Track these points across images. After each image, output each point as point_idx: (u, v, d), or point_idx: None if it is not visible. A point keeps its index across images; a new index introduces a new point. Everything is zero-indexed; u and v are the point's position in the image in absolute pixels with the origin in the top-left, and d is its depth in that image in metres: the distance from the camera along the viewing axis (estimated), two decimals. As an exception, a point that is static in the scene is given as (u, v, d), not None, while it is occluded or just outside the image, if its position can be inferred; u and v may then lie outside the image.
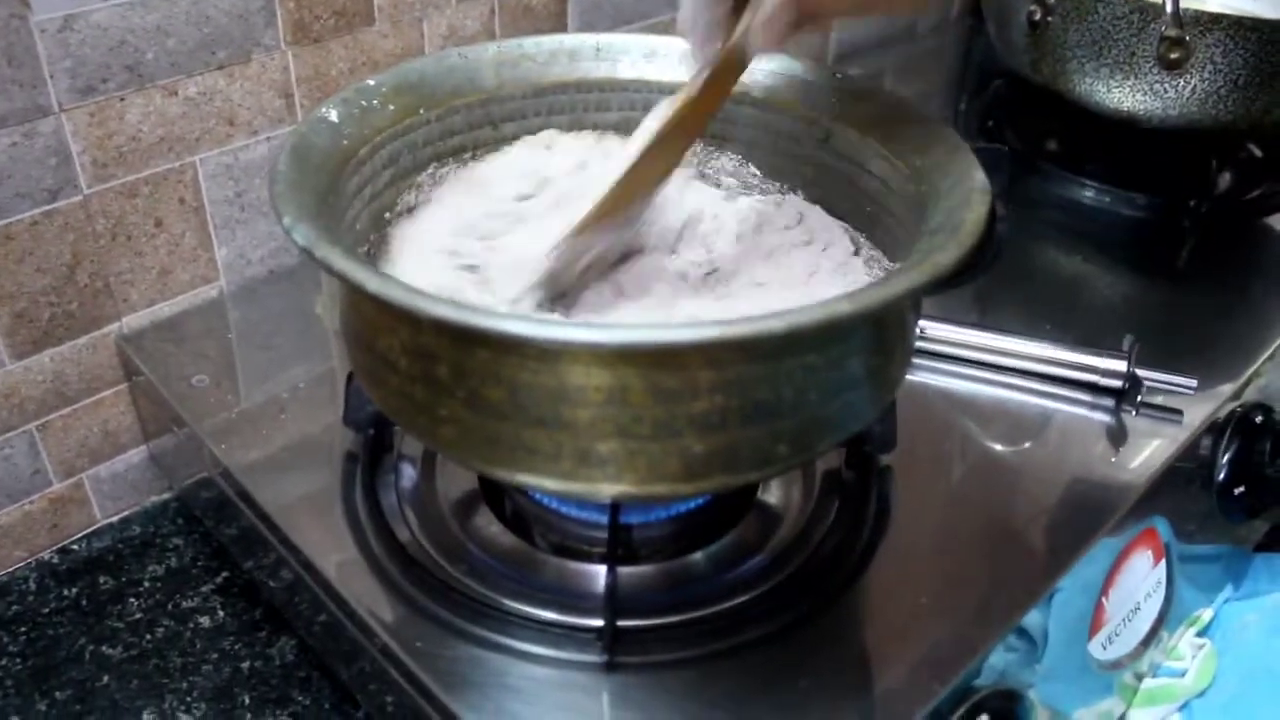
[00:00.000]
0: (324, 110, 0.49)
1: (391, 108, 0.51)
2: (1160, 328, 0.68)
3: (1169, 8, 0.72)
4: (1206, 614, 0.73)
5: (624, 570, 0.50)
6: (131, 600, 0.61)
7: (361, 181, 0.50)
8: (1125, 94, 0.79)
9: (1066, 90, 0.82)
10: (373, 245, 0.51)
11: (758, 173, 0.57)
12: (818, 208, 0.55)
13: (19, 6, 0.54)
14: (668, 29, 0.88)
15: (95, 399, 0.65)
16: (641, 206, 0.50)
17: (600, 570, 0.50)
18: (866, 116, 0.52)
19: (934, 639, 0.48)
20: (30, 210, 0.58)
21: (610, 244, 0.49)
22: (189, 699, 0.56)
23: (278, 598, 0.58)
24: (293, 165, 0.44)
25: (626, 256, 0.52)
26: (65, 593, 0.62)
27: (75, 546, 0.66)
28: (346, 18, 0.68)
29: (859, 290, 0.38)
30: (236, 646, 0.59)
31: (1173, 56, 0.75)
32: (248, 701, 0.56)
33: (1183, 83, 0.76)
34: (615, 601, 0.48)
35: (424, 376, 0.41)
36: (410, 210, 0.54)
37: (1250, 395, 0.65)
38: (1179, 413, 0.61)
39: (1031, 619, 0.50)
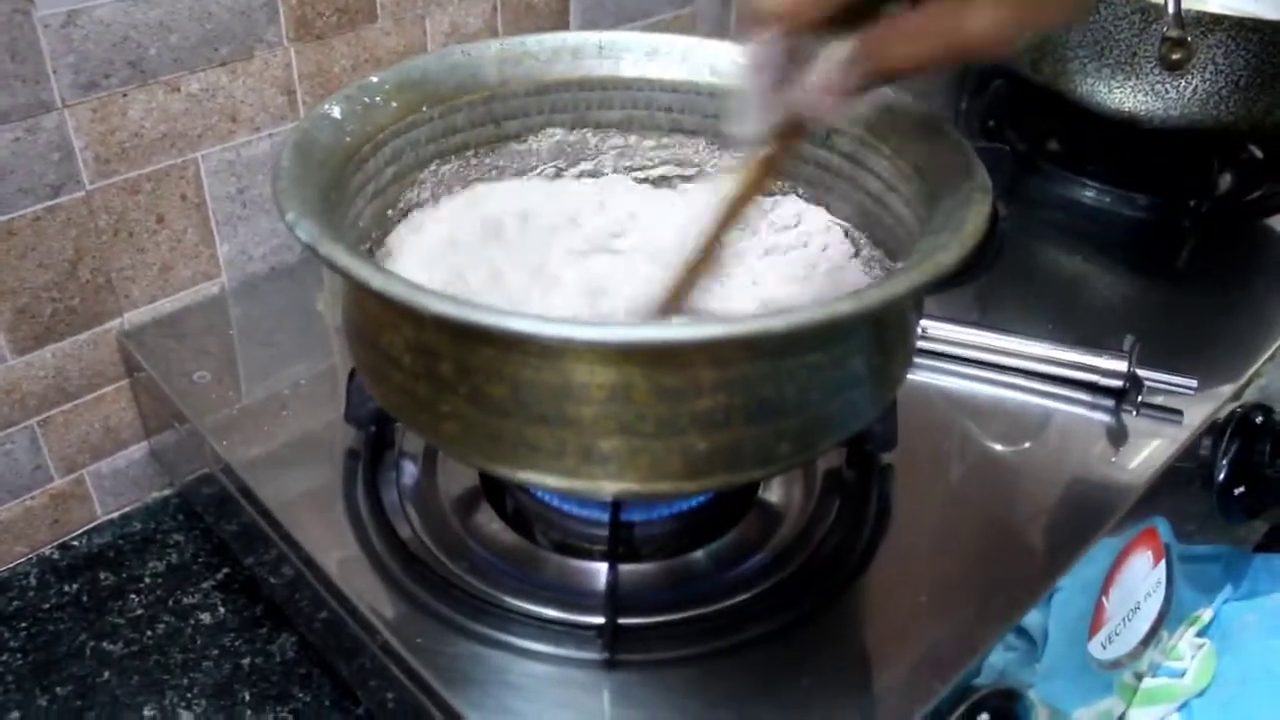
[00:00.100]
0: (327, 107, 0.49)
1: (394, 105, 0.51)
2: (1161, 328, 0.68)
3: (1171, 8, 0.72)
4: (1206, 614, 0.73)
5: (625, 568, 0.50)
6: (132, 596, 0.61)
7: (364, 178, 0.50)
8: (1126, 94, 0.78)
9: (1068, 90, 0.82)
10: (373, 243, 0.51)
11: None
12: (816, 208, 0.55)
13: (22, 2, 0.54)
14: (670, 27, 0.88)
15: (96, 395, 0.65)
16: (711, 276, 0.48)
17: (601, 568, 0.50)
18: (867, 116, 0.52)
19: (934, 638, 0.48)
20: (33, 206, 0.58)
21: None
22: (189, 695, 0.56)
23: (278, 594, 0.58)
24: (296, 161, 0.44)
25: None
26: (66, 588, 0.62)
27: (76, 542, 0.66)
28: (349, 15, 0.68)
29: (861, 290, 0.38)
30: (237, 643, 0.59)
31: (1174, 57, 0.74)
32: (248, 698, 0.56)
33: (1184, 83, 0.76)
34: (616, 599, 0.48)
35: (426, 373, 0.41)
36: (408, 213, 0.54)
37: (1250, 396, 0.65)
38: (1179, 413, 0.61)
39: (1031, 618, 0.50)
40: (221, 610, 0.61)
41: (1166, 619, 0.65)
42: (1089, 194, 0.84)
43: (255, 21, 0.64)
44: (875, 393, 0.44)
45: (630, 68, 0.57)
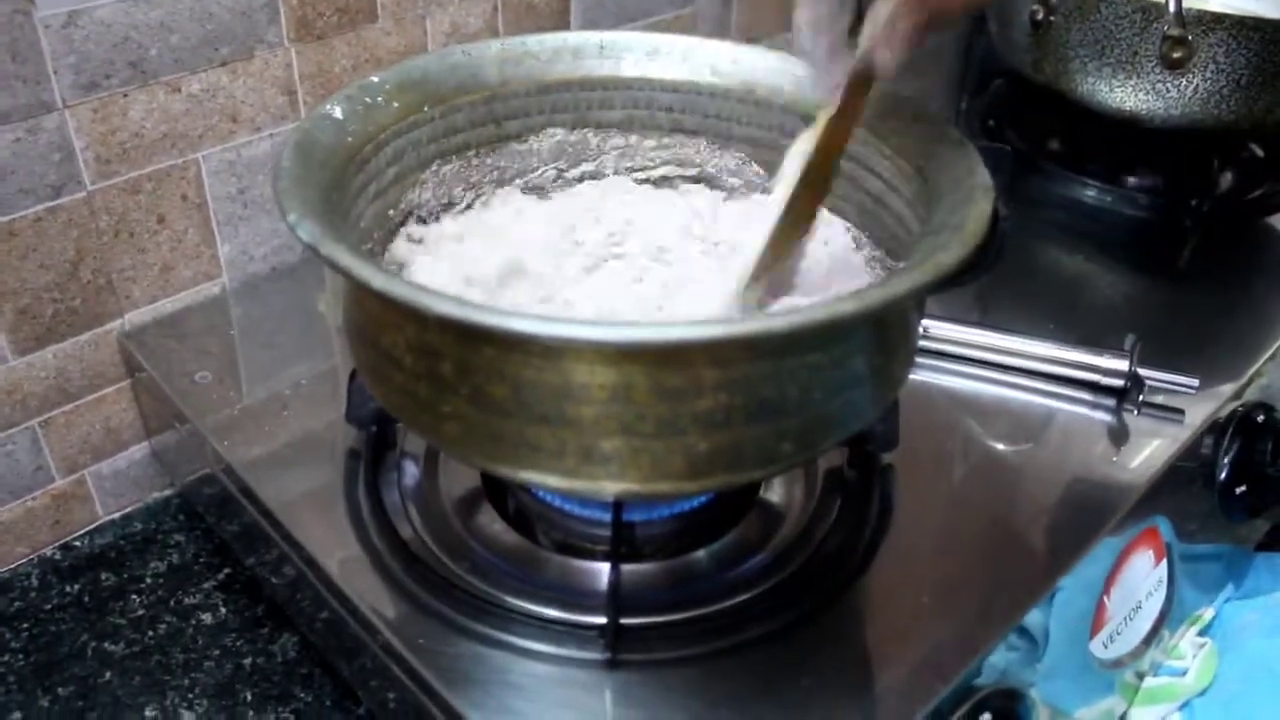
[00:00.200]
0: (328, 107, 0.49)
1: (395, 105, 0.51)
2: (1162, 327, 0.68)
3: (1172, 7, 0.72)
4: (1208, 613, 0.73)
5: (627, 568, 0.50)
6: (133, 597, 0.61)
7: (366, 179, 0.50)
8: (1127, 93, 0.78)
9: (1069, 90, 0.82)
10: (375, 244, 0.51)
11: (761, 171, 0.57)
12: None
13: (23, 2, 0.54)
14: (671, 27, 0.88)
15: (98, 395, 0.65)
16: (800, 248, 0.49)
17: (603, 568, 0.50)
18: (869, 115, 0.52)
19: (935, 638, 0.48)
20: (34, 206, 0.58)
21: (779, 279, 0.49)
22: (191, 695, 0.56)
23: (280, 594, 0.58)
24: (297, 161, 0.44)
25: None
26: (67, 589, 0.62)
27: (77, 543, 0.66)
28: (350, 15, 0.68)
29: (863, 289, 0.38)
30: (238, 643, 0.59)
31: (1175, 56, 0.75)
32: (249, 698, 0.56)
33: (1185, 82, 0.76)
34: (618, 599, 0.48)
35: (428, 373, 0.41)
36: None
37: (1252, 395, 0.65)
38: (1180, 412, 0.61)
39: (1033, 618, 0.50)
40: (223, 610, 0.61)
41: (1168, 618, 0.65)
42: (1090, 193, 0.84)
43: (256, 22, 0.64)
44: (877, 392, 0.44)
45: (631, 68, 0.57)
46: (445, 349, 0.40)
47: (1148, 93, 0.78)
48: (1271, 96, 0.75)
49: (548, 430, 0.40)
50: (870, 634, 0.49)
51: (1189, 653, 0.70)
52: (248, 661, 0.58)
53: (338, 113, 0.49)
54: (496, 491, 0.55)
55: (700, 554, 0.52)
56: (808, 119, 0.54)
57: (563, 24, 0.81)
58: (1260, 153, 0.86)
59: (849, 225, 0.54)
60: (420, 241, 0.53)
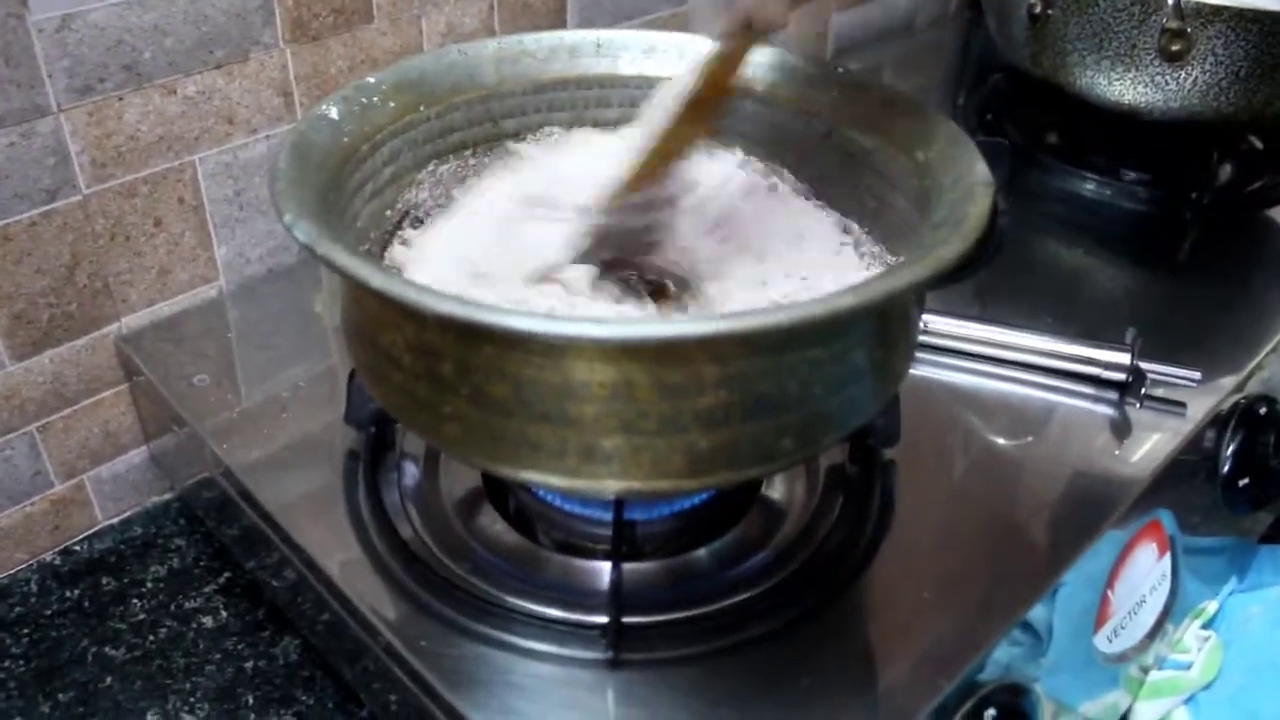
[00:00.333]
0: (324, 108, 0.49)
1: (392, 105, 0.51)
2: (1162, 320, 0.68)
3: (1170, 0, 0.72)
4: (1211, 606, 0.73)
5: (628, 567, 0.50)
6: (134, 601, 0.61)
7: (362, 179, 0.49)
8: (1126, 86, 0.78)
9: (1067, 83, 0.82)
10: (372, 244, 0.51)
11: (761, 167, 0.57)
12: (803, 199, 0.55)
13: (16, 6, 0.54)
14: (668, 25, 0.88)
15: (95, 400, 0.65)
16: (664, 182, 0.50)
17: (605, 567, 0.50)
18: (868, 111, 0.52)
19: (938, 634, 0.48)
20: (29, 211, 0.58)
21: (640, 220, 0.50)
22: (192, 699, 0.56)
23: (280, 597, 0.58)
24: (293, 163, 0.44)
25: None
26: (67, 594, 0.62)
27: (77, 548, 0.66)
28: (345, 15, 0.68)
29: (862, 283, 0.38)
30: (240, 646, 0.59)
31: (1174, 49, 0.74)
32: (251, 702, 0.56)
33: (1184, 75, 0.76)
34: (620, 598, 0.47)
35: (427, 373, 0.41)
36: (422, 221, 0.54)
37: (1253, 387, 0.65)
38: (1182, 405, 0.61)
39: (1036, 613, 0.50)
40: (224, 614, 0.61)
41: (1172, 612, 0.65)
42: (1089, 187, 0.84)
43: (251, 23, 0.63)
44: (877, 388, 0.44)
45: (628, 65, 0.57)
46: (444, 348, 0.40)
47: (1146, 85, 0.77)
48: (1270, 88, 0.75)
49: (548, 429, 0.39)
50: (873, 631, 0.49)
51: (1193, 646, 0.70)
52: (249, 665, 0.58)
53: (334, 113, 0.49)
54: (497, 491, 0.55)
55: (702, 552, 0.52)
56: (806, 114, 0.54)
57: (559, 22, 0.81)
58: (1259, 145, 0.86)
59: (849, 221, 0.53)
60: (409, 244, 0.53)
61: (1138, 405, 0.61)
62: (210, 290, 0.69)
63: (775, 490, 0.56)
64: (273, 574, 0.57)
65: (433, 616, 0.48)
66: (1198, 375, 0.61)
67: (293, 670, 0.58)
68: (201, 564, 0.64)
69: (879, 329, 0.43)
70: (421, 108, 0.53)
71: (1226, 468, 0.65)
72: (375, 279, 0.37)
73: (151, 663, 0.58)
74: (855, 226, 0.53)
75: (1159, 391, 0.62)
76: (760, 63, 0.55)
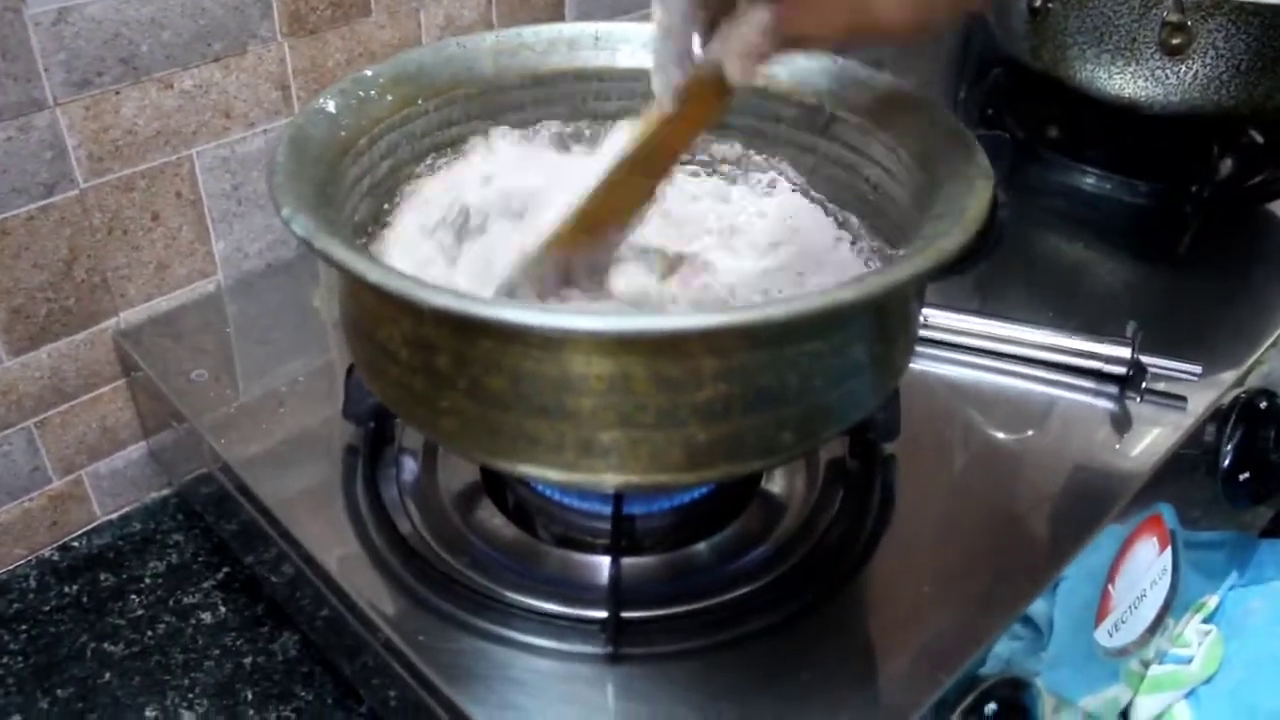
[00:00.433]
0: (322, 101, 0.48)
1: (389, 98, 0.51)
2: (1163, 314, 0.68)
3: (1170, -8, 0.72)
4: (1212, 600, 0.73)
5: (627, 561, 0.50)
6: (133, 597, 0.61)
7: (360, 172, 0.49)
8: (1126, 80, 0.78)
9: (1067, 77, 0.81)
10: (369, 238, 0.51)
11: (760, 160, 0.57)
12: (799, 196, 0.55)
13: (13, 0, 0.54)
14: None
15: (93, 395, 0.65)
16: (622, 229, 0.48)
17: (604, 561, 0.50)
18: (867, 104, 0.52)
19: (939, 628, 0.48)
20: (26, 205, 0.58)
21: (594, 259, 0.48)
22: (191, 695, 0.56)
23: (279, 593, 0.58)
24: (291, 156, 0.44)
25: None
26: (66, 590, 0.62)
27: (75, 543, 0.66)
28: (343, 9, 0.67)
29: (863, 276, 0.38)
30: (238, 642, 0.59)
31: (1174, 42, 0.74)
32: (250, 697, 0.56)
33: (1184, 68, 0.76)
34: (619, 593, 0.47)
35: (424, 367, 0.40)
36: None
37: (1254, 381, 0.65)
38: (1183, 399, 0.61)
39: (1037, 607, 0.50)
40: (222, 610, 0.60)
41: (1172, 606, 0.65)
42: (1089, 181, 0.84)
43: (248, 17, 0.63)
44: (877, 381, 0.44)
45: (627, 58, 0.57)
46: (441, 342, 0.39)
47: (1147, 79, 0.77)
48: (1271, 82, 0.75)
49: (546, 423, 0.39)
50: (873, 625, 0.49)
51: (1194, 640, 0.70)
52: (248, 661, 0.58)
53: (331, 107, 0.49)
54: (496, 486, 0.55)
55: (701, 546, 0.52)
56: (804, 106, 0.54)
57: (557, 15, 0.80)
58: (1260, 139, 0.85)
59: (848, 215, 0.53)
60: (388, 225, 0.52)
61: (1138, 399, 0.61)
62: (208, 285, 0.68)
63: (775, 484, 0.56)
64: (271, 569, 0.57)
65: (431, 611, 0.48)
66: (1198, 369, 0.61)
67: (292, 666, 0.57)
68: (200, 559, 0.63)
69: (879, 322, 0.43)
70: (420, 101, 0.52)
71: (1227, 462, 0.65)
72: (372, 273, 0.37)
73: (150, 658, 0.58)
74: (854, 219, 0.53)
75: (1159, 385, 0.61)
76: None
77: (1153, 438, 0.59)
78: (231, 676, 0.57)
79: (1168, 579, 0.64)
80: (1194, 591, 0.71)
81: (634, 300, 0.48)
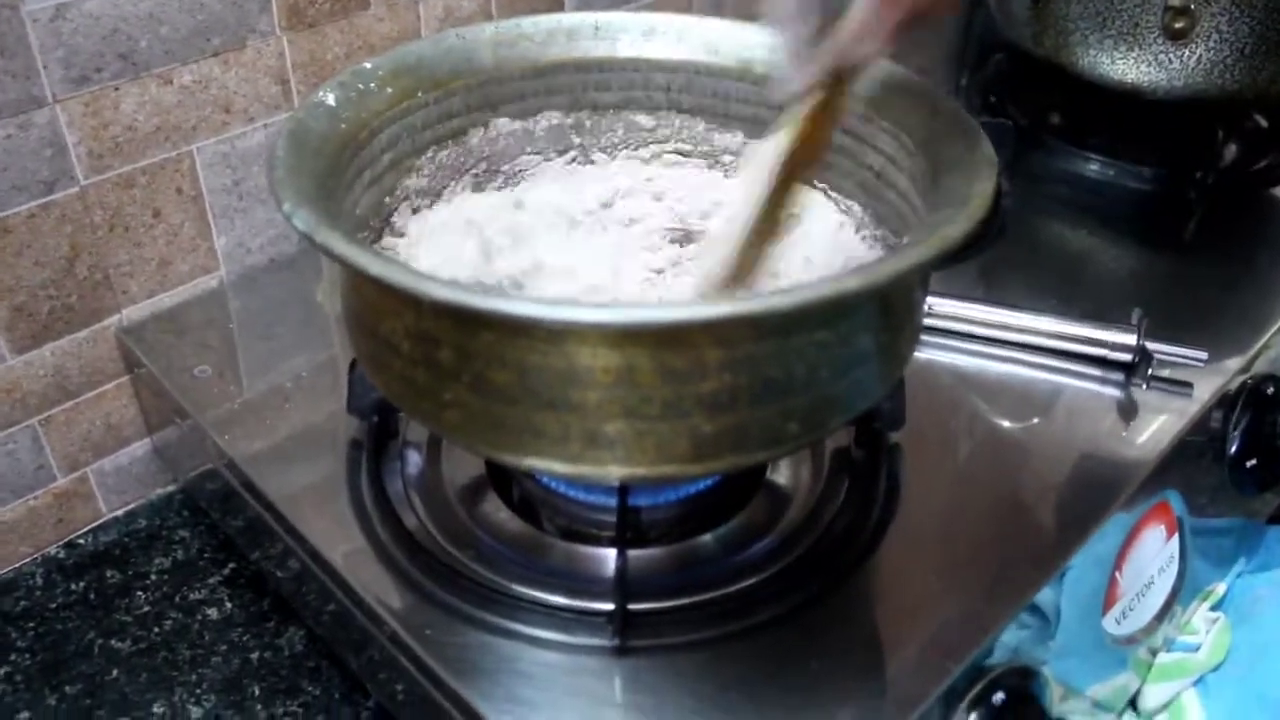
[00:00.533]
0: (321, 94, 0.48)
1: (389, 91, 0.51)
2: (1168, 300, 0.68)
3: (1173, -24, 0.72)
4: (1220, 588, 0.73)
5: (633, 553, 0.50)
6: (139, 593, 0.61)
7: (361, 165, 0.49)
8: (1129, 65, 0.78)
9: (1070, 63, 0.81)
10: (373, 232, 0.51)
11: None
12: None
13: (10, -4, 0.54)
14: (666, 6, 0.87)
15: (97, 392, 0.65)
16: (778, 240, 0.48)
17: (610, 554, 0.50)
18: (870, 92, 0.52)
19: (946, 618, 0.48)
20: (27, 203, 0.58)
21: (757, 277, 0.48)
22: (198, 691, 0.56)
23: (285, 588, 0.58)
24: (291, 151, 0.44)
25: None
26: (72, 587, 0.62)
27: (81, 541, 0.66)
28: (342, 2, 0.67)
29: (868, 265, 0.38)
30: (245, 637, 0.59)
31: (1177, 26, 0.74)
32: (257, 692, 0.56)
33: (1187, 53, 0.75)
34: (625, 585, 0.47)
35: (428, 361, 0.40)
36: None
37: (1260, 367, 0.65)
38: (1189, 386, 0.61)
39: (1044, 595, 0.50)
40: (229, 605, 0.60)
41: (1180, 593, 0.65)
42: (1093, 167, 0.83)
43: (247, 11, 0.63)
44: (883, 370, 0.44)
45: (627, 48, 0.56)
46: (444, 335, 0.39)
47: (1150, 64, 0.77)
48: (1276, 65, 0.75)
49: (551, 415, 0.39)
50: (880, 615, 0.49)
51: (1202, 628, 0.70)
52: (255, 656, 0.58)
53: (331, 100, 0.48)
54: (501, 479, 0.55)
55: (707, 538, 0.52)
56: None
57: (557, 5, 0.80)
58: (1264, 123, 0.85)
59: (850, 204, 0.53)
60: (404, 235, 0.53)
61: (1144, 386, 0.61)
62: (211, 281, 0.68)
63: (781, 475, 0.55)
64: (277, 565, 0.57)
65: (437, 605, 0.48)
66: (1204, 355, 0.61)
67: (298, 661, 0.57)
68: (206, 555, 0.63)
69: (884, 310, 0.42)
70: (419, 93, 0.52)
71: (1234, 448, 0.64)
72: (374, 266, 0.37)
73: (157, 655, 0.58)
74: (857, 207, 0.53)
75: (1165, 372, 0.61)
76: (761, 44, 0.55)
77: (1159, 425, 0.58)
78: (238, 672, 0.57)
79: (1175, 566, 0.63)
80: (1201, 579, 0.70)
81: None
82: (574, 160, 0.58)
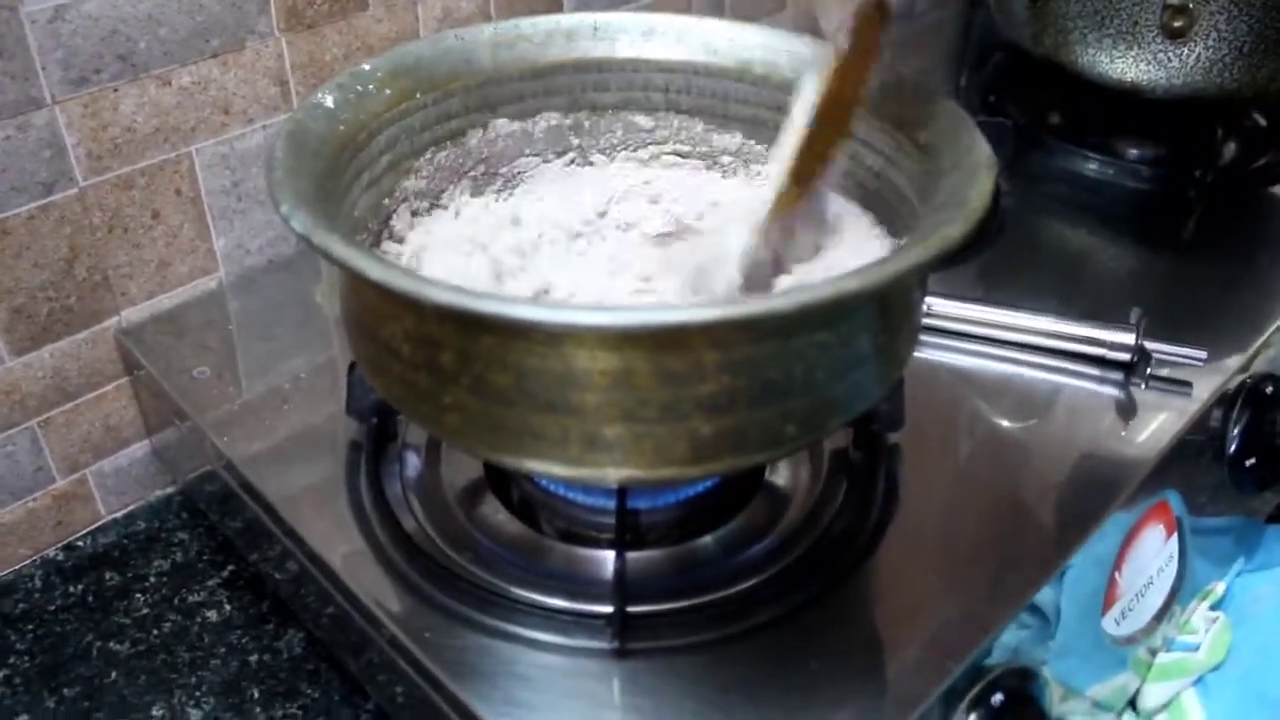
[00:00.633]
0: (320, 96, 0.48)
1: (388, 92, 0.51)
2: (1167, 300, 0.68)
3: (1172, -25, 0.72)
4: (1219, 587, 0.73)
5: (632, 555, 0.50)
6: (138, 596, 0.61)
7: (359, 167, 0.49)
8: (1128, 64, 0.78)
9: (1069, 62, 0.81)
10: (372, 234, 0.51)
11: (762, 149, 0.57)
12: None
13: (8, -2, 0.54)
14: (665, 6, 0.87)
15: (96, 394, 0.65)
16: (825, 179, 0.49)
17: (609, 556, 0.50)
18: (869, 91, 0.52)
19: (945, 618, 0.48)
20: (26, 204, 0.58)
21: (800, 223, 0.49)
22: (197, 693, 0.56)
23: (284, 590, 0.58)
24: (289, 152, 0.44)
25: None
26: (71, 589, 0.62)
27: (80, 543, 0.66)
28: (340, 3, 0.67)
29: (866, 266, 0.38)
30: (244, 640, 0.59)
31: (1176, 25, 0.74)
32: (256, 695, 0.56)
33: (1186, 51, 0.75)
34: (624, 587, 0.47)
35: (427, 364, 0.40)
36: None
37: (1259, 366, 0.65)
38: (1188, 385, 0.61)
39: (1044, 596, 0.50)
40: (227, 607, 0.60)
41: (1179, 593, 0.65)
42: (1092, 166, 0.83)
43: (245, 12, 0.63)
44: (881, 371, 0.44)
45: (626, 49, 0.56)
46: (444, 338, 0.39)
47: (1149, 63, 0.77)
48: (1274, 64, 0.75)
49: (550, 418, 0.39)
50: (879, 616, 0.49)
51: (1201, 627, 0.70)
52: (254, 658, 0.58)
53: (329, 101, 0.48)
54: (500, 481, 0.55)
55: (706, 540, 0.52)
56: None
57: (555, 6, 0.80)
58: (1263, 122, 0.85)
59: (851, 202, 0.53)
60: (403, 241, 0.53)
61: (1143, 385, 0.61)
62: (210, 282, 0.68)
63: (779, 476, 0.55)
64: (276, 567, 0.57)
65: (436, 608, 0.48)
66: (1203, 354, 0.61)
67: (297, 663, 0.57)
68: (205, 558, 0.63)
69: (883, 312, 0.42)
70: (418, 94, 0.52)
71: (1233, 447, 0.64)
72: (373, 269, 0.37)
73: (156, 657, 0.58)
74: (855, 207, 0.53)
75: (1164, 371, 0.61)
76: (758, 43, 0.55)
77: (1158, 424, 0.58)
78: (237, 674, 0.57)
79: (1175, 566, 0.63)
80: (1201, 578, 0.70)
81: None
82: (572, 162, 0.58)
